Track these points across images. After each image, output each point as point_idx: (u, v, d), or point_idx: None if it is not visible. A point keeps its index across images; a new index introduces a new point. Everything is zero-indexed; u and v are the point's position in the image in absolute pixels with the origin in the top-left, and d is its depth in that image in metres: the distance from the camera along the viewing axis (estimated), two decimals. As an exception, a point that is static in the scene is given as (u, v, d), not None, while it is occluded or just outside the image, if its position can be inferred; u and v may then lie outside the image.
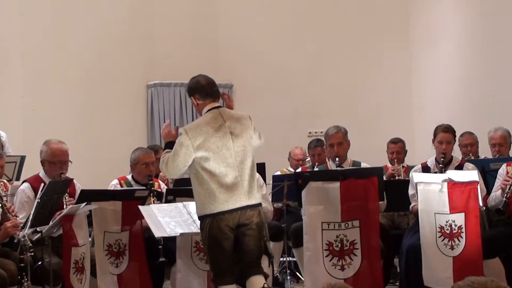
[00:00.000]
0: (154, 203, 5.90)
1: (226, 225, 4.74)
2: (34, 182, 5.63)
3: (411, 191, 5.95)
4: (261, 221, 4.89)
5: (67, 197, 5.50)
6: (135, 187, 6.19)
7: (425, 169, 6.10)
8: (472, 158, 6.89)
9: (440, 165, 5.93)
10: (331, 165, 6.31)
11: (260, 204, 4.92)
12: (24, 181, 5.83)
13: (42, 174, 5.73)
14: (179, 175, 5.10)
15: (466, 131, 7.28)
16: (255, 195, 4.86)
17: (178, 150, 4.80)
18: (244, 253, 4.84)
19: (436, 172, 5.90)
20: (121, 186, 6.24)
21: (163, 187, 6.44)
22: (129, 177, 6.38)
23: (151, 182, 6.22)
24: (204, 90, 4.96)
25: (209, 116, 4.88)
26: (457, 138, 7.04)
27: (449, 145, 6.01)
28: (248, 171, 4.84)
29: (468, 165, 6.05)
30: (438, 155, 6.04)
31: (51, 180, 5.54)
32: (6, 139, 7.85)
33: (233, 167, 4.77)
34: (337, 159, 6.16)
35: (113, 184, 6.32)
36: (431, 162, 6.16)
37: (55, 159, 5.64)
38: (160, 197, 6.05)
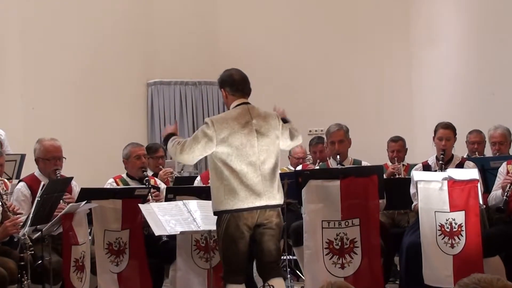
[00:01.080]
0: (151, 193, 5.87)
1: (245, 224, 4.71)
2: (30, 181, 5.64)
3: (412, 190, 5.95)
4: (280, 221, 4.88)
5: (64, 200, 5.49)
6: (131, 183, 6.17)
7: (426, 167, 6.11)
8: (478, 156, 6.91)
9: (440, 162, 5.94)
10: (332, 163, 6.31)
11: (280, 205, 4.87)
12: (20, 181, 5.85)
13: (37, 173, 5.74)
14: (190, 163, 5.02)
15: (475, 129, 7.31)
16: (276, 195, 4.81)
17: (200, 138, 4.73)
18: (264, 254, 4.82)
19: (436, 170, 5.90)
20: (117, 185, 6.21)
21: (159, 183, 6.42)
22: (124, 175, 6.35)
23: (144, 172, 6.21)
24: (235, 85, 4.89)
25: (236, 111, 4.82)
26: (461, 136, 7.08)
27: (448, 142, 6.02)
28: (270, 171, 4.79)
29: (468, 163, 6.06)
30: (438, 152, 6.06)
31: (48, 178, 5.54)
32: (5, 137, 7.84)
33: (254, 166, 4.72)
34: (338, 156, 6.16)
35: (109, 183, 6.28)
36: (431, 161, 6.17)
37: (49, 156, 5.64)
38: (157, 190, 6.02)
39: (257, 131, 4.77)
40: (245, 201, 4.68)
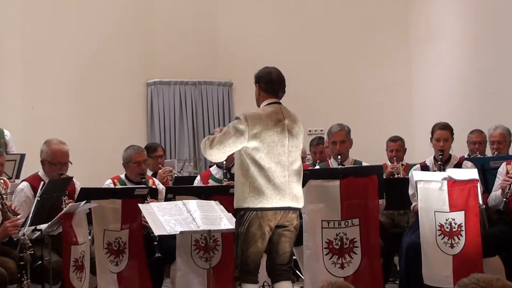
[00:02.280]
0: (148, 200, 5.85)
1: (268, 225, 4.68)
2: (33, 181, 5.60)
3: (410, 191, 5.95)
4: (298, 224, 4.88)
5: (66, 199, 5.45)
6: (129, 185, 6.14)
7: (424, 168, 6.10)
8: (479, 156, 6.91)
9: (439, 163, 5.93)
10: (333, 163, 6.30)
11: (300, 209, 4.88)
12: (23, 180, 5.80)
13: (41, 173, 5.70)
14: (220, 159, 4.99)
15: (476, 129, 7.30)
16: (299, 198, 4.80)
17: (231, 133, 4.68)
18: (278, 255, 4.82)
19: (435, 171, 5.90)
20: (115, 186, 6.19)
21: (157, 183, 6.40)
22: (123, 176, 6.31)
23: (143, 180, 6.18)
24: (271, 84, 4.86)
25: (270, 109, 4.78)
26: (465, 135, 7.09)
27: (446, 143, 6.00)
28: (296, 173, 4.78)
29: (466, 163, 6.05)
30: (436, 153, 6.05)
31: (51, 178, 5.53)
32: (10, 138, 7.84)
33: (283, 165, 4.70)
34: (339, 156, 6.16)
35: (107, 184, 6.25)
36: (429, 161, 6.16)
37: (55, 160, 5.61)
38: (155, 195, 6.01)
39: (289, 132, 4.76)
40: (270, 201, 4.65)
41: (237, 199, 4.77)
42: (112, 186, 6.19)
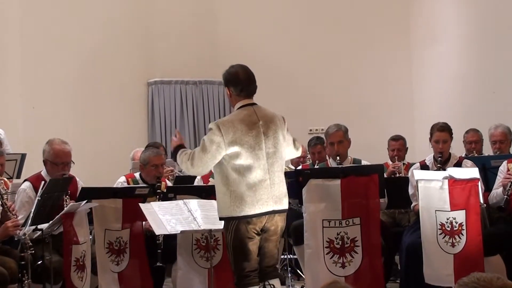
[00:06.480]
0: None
1: (253, 228, 4.63)
2: (36, 181, 5.59)
3: (410, 191, 5.96)
4: (284, 225, 4.83)
5: (68, 199, 5.46)
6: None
7: (424, 167, 6.10)
8: (476, 155, 6.89)
9: (438, 165, 5.93)
10: (332, 163, 6.31)
11: (286, 210, 4.81)
12: (25, 180, 5.80)
13: (44, 173, 5.71)
14: (205, 173, 4.95)
15: (471, 128, 7.28)
16: (283, 200, 4.73)
17: (208, 147, 4.58)
18: (266, 257, 4.79)
19: (435, 170, 5.89)
20: (128, 184, 6.22)
21: (169, 184, 6.42)
22: (137, 175, 6.34)
23: (158, 184, 6.19)
24: (240, 86, 4.74)
25: (243, 113, 4.67)
26: (462, 135, 7.07)
27: (445, 144, 5.99)
28: (278, 174, 4.70)
29: (466, 162, 6.04)
30: (435, 154, 6.04)
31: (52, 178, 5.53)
32: (5, 136, 7.82)
33: (263, 169, 4.61)
34: (338, 157, 6.16)
35: (120, 182, 6.28)
36: (429, 161, 6.16)
37: (58, 160, 5.61)
38: (165, 199, 5.99)
39: (264, 133, 4.65)
40: (252, 208, 4.58)
41: (219, 208, 4.72)
42: (125, 184, 6.20)
